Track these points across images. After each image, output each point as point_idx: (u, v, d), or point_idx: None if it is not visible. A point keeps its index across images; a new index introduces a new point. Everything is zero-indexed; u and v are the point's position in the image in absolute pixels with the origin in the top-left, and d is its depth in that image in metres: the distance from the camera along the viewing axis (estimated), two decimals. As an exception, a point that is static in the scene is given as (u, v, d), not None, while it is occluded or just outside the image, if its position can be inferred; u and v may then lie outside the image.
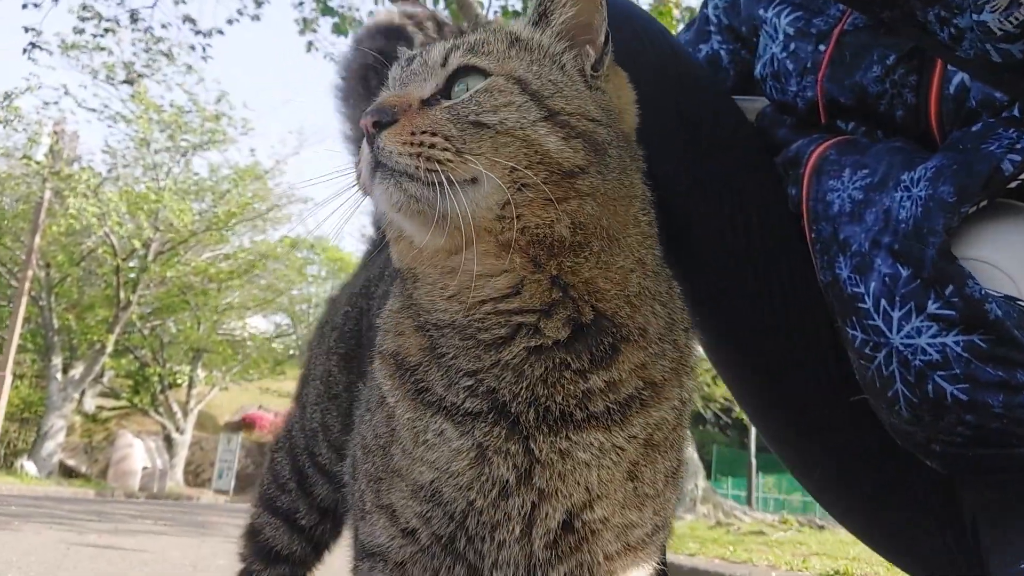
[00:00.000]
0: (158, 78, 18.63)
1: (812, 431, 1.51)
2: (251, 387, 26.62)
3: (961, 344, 1.13)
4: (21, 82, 29.60)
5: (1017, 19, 0.95)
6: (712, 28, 1.80)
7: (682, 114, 1.42)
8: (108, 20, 13.73)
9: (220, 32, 13.78)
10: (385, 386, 1.06)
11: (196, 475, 23.42)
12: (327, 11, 12.23)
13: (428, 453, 0.99)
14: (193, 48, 14.68)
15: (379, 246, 1.64)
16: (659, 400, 1.01)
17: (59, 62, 62.80)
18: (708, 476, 17.62)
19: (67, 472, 19.84)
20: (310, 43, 12.97)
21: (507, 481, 0.96)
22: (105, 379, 22.52)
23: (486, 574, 1.00)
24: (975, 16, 0.97)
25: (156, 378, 22.04)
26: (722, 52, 1.77)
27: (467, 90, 0.98)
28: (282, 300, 26.58)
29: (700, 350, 1.29)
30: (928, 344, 1.16)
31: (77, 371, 19.66)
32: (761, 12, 1.61)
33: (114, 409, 23.84)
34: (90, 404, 22.70)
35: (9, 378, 17.21)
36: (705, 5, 1.86)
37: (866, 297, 1.24)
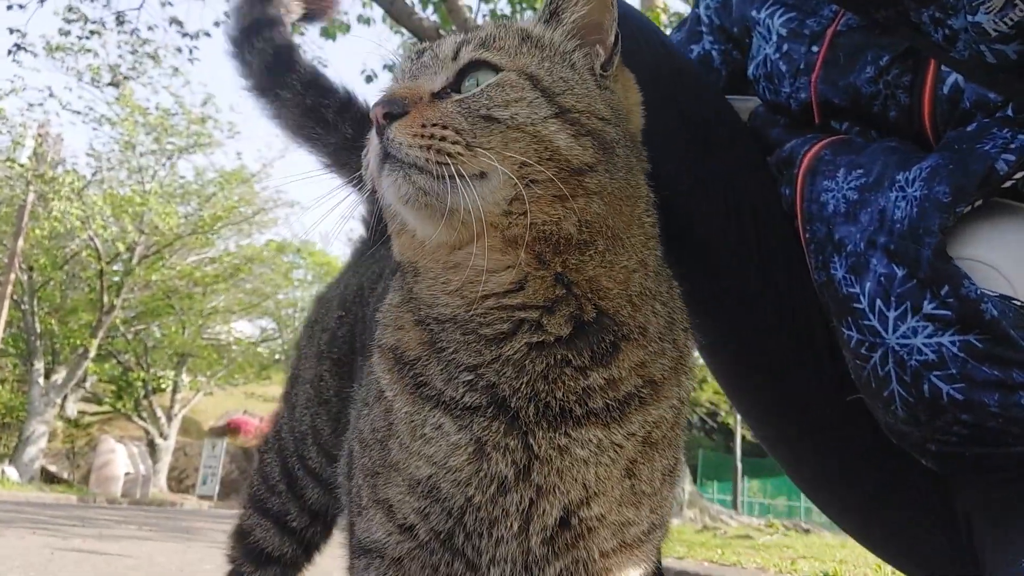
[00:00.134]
0: (144, 80, 18.58)
1: (814, 430, 1.51)
2: (236, 392, 26.35)
3: (957, 344, 1.14)
4: (5, 84, 29.54)
5: (1012, 20, 0.95)
6: (704, 28, 1.81)
7: (684, 113, 1.42)
8: (94, 22, 13.52)
9: (207, 34, 13.56)
10: (384, 380, 1.06)
11: (180, 481, 23.16)
12: (315, 15, 12.19)
13: (426, 447, 0.99)
14: (179, 50, 14.50)
15: (371, 247, 1.64)
16: (658, 398, 1.02)
17: (44, 64, 62.54)
18: (694, 480, 17.70)
19: (49, 478, 19.55)
20: (298, 47, 12.92)
21: (506, 477, 0.95)
22: (88, 384, 22.21)
23: (483, 570, 1.00)
24: (969, 17, 0.97)
25: (140, 383, 21.78)
26: (714, 52, 1.78)
27: (477, 84, 0.98)
28: (268, 304, 26.35)
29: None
30: (924, 344, 1.17)
31: (59, 376, 19.39)
32: (754, 13, 1.62)
33: (97, 414, 23.53)
34: (72, 409, 22.37)
35: (-10, 382, 17.00)
36: (697, 5, 1.87)
37: (862, 297, 1.24)
